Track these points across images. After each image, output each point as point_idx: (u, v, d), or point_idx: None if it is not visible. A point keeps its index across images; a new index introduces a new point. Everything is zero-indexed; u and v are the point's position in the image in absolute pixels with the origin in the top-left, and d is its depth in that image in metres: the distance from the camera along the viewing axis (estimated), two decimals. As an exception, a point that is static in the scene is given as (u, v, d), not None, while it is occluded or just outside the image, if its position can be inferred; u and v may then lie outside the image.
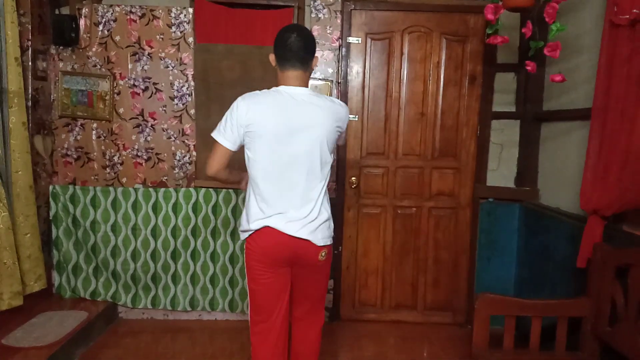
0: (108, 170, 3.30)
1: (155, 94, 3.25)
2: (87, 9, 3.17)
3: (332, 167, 2.03)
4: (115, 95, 3.25)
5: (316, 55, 1.96)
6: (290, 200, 1.89)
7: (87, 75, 3.21)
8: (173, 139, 3.29)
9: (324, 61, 3.25)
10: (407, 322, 3.43)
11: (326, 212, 1.97)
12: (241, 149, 1.99)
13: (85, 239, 3.24)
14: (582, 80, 2.62)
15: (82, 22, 3.18)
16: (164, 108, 3.26)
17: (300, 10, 3.22)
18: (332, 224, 2.02)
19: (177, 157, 3.30)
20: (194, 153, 3.28)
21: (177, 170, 3.31)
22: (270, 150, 1.88)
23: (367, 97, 3.30)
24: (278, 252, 1.90)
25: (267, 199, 1.89)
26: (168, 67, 3.23)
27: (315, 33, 3.22)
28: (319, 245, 1.91)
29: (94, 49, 3.21)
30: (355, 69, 3.28)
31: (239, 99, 1.95)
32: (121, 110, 3.26)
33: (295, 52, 1.87)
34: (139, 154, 3.29)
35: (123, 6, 3.18)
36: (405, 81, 3.28)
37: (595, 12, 2.54)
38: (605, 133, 2.14)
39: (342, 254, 3.39)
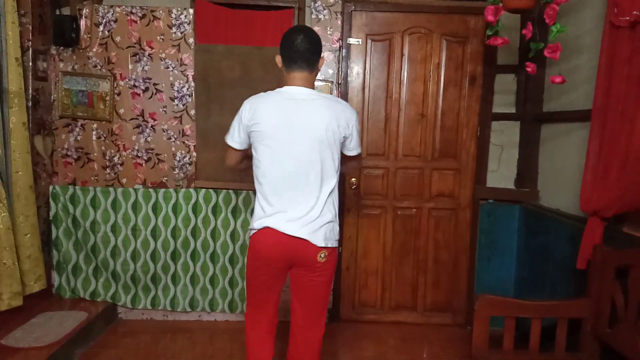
0: (108, 170, 3.30)
1: (155, 94, 3.25)
2: (87, 10, 3.17)
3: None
4: (116, 96, 3.25)
5: (322, 55, 1.98)
6: (290, 199, 1.90)
7: (87, 76, 3.21)
8: (173, 139, 3.29)
9: (325, 62, 3.24)
10: (407, 323, 3.43)
11: (330, 214, 1.94)
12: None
13: (85, 240, 3.24)
14: (582, 81, 2.62)
15: (82, 22, 3.18)
16: (164, 109, 3.26)
17: (301, 11, 3.22)
18: (338, 227, 2.00)
19: (177, 158, 3.30)
20: (194, 154, 3.29)
21: (177, 170, 3.31)
22: (272, 150, 1.90)
23: (367, 98, 3.30)
24: (276, 252, 1.93)
25: (269, 198, 1.93)
26: (168, 67, 3.23)
27: (315, 34, 3.22)
28: (319, 246, 1.90)
29: (94, 50, 3.21)
30: (356, 69, 3.28)
31: (245, 101, 2.00)
32: (121, 111, 3.26)
33: (302, 53, 1.88)
34: (139, 154, 3.29)
35: (123, 7, 3.18)
36: (405, 82, 3.28)
37: (595, 13, 2.54)
38: (605, 134, 2.14)
39: (342, 255, 3.39)
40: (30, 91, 3.01)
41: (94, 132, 3.28)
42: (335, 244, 1.98)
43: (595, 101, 2.21)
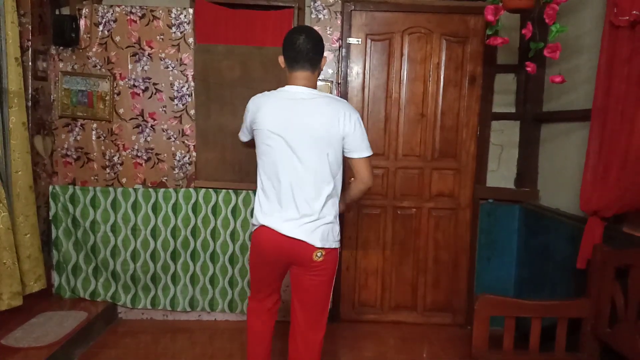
0: (108, 170, 3.30)
1: (155, 94, 3.25)
2: (87, 10, 3.17)
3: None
4: (115, 96, 3.25)
5: (325, 55, 1.99)
6: (289, 199, 1.92)
7: (87, 76, 3.21)
8: (173, 139, 3.29)
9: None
10: (407, 323, 3.43)
11: (329, 215, 1.94)
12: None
13: (85, 239, 3.23)
14: (582, 81, 2.62)
15: (82, 22, 3.18)
16: (164, 108, 3.26)
17: (301, 11, 3.22)
18: (338, 228, 2.00)
19: (177, 158, 3.30)
20: (194, 153, 3.29)
21: (177, 170, 3.31)
22: (271, 149, 1.92)
23: (367, 97, 3.30)
24: (274, 252, 1.96)
25: (268, 196, 1.96)
26: (168, 67, 3.23)
27: (315, 34, 3.22)
28: (315, 246, 1.90)
29: (94, 50, 3.21)
30: (356, 69, 3.28)
31: (250, 100, 2.04)
32: (121, 111, 3.26)
33: (304, 53, 1.90)
34: (139, 154, 3.29)
35: (123, 7, 3.18)
36: (405, 82, 3.28)
37: (595, 13, 2.54)
38: (605, 134, 2.14)
39: (342, 255, 3.38)
40: (30, 91, 3.01)
41: (94, 132, 3.28)
42: (334, 245, 1.97)
43: (595, 101, 2.21)
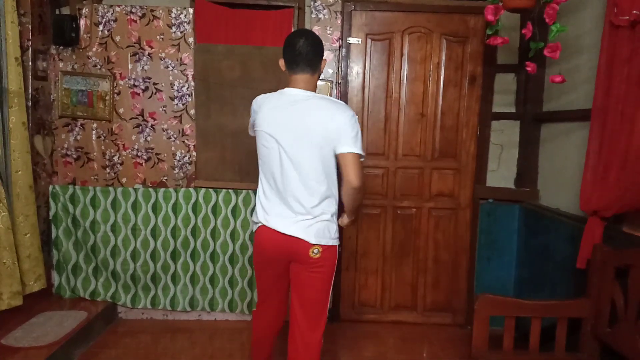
0: (108, 170, 3.30)
1: (155, 94, 3.25)
2: (87, 9, 3.17)
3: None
4: (115, 96, 3.25)
5: (324, 57, 2.01)
6: (286, 198, 1.95)
7: (87, 75, 3.21)
8: (173, 139, 3.29)
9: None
10: (406, 323, 3.43)
11: (325, 214, 1.96)
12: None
13: (85, 239, 3.23)
14: (582, 81, 2.62)
15: (82, 22, 3.18)
16: (164, 108, 3.26)
17: (301, 11, 3.22)
18: (335, 227, 2.01)
19: (177, 157, 3.30)
20: (194, 153, 3.29)
21: (177, 170, 3.31)
22: (268, 150, 1.96)
23: (367, 97, 3.30)
24: (272, 249, 2.00)
25: (267, 195, 2.01)
26: (168, 67, 3.23)
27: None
28: (310, 242, 1.92)
29: (94, 49, 3.21)
30: (356, 69, 3.28)
31: (254, 100, 2.08)
32: (121, 111, 3.26)
33: (304, 55, 1.91)
34: (139, 154, 3.29)
35: (123, 6, 3.18)
36: (405, 82, 3.28)
37: (595, 13, 2.54)
38: (605, 134, 2.14)
39: (342, 255, 3.38)
40: (30, 91, 3.01)
41: (94, 132, 3.28)
42: (331, 242, 1.99)
43: (595, 101, 2.21)
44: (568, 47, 2.65)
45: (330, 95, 3.25)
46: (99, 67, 3.22)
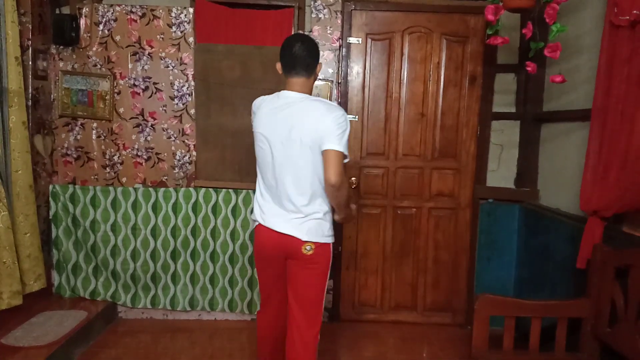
0: (108, 169, 3.30)
1: (155, 93, 3.25)
2: (87, 9, 3.17)
3: None
4: (116, 95, 3.25)
5: (320, 62, 2.06)
6: (279, 197, 2.02)
7: (87, 75, 3.21)
8: (173, 138, 3.29)
9: (325, 61, 3.25)
10: (406, 323, 3.43)
11: (317, 212, 2.01)
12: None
13: (85, 239, 3.23)
14: (582, 81, 2.62)
15: (82, 21, 3.18)
16: (164, 108, 3.26)
17: (301, 11, 3.22)
18: (328, 225, 2.05)
19: (177, 157, 3.30)
20: (194, 153, 3.29)
21: (177, 170, 3.31)
22: (263, 151, 2.04)
23: (367, 97, 3.30)
24: (269, 247, 2.07)
25: (263, 194, 2.09)
26: (168, 67, 3.23)
27: (315, 33, 3.23)
28: (302, 239, 1.98)
29: (94, 49, 3.21)
30: (356, 69, 3.28)
31: (254, 101, 2.14)
32: (121, 110, 3.26)
33: (300, 59, 1.96)
34: (139, 153, 3.29)
35: (123, 6, 3.18)
36: (405, 82, 3.28)
37: (595, 13, 2.54)
38: (605, 134, 2.14)
39: (341, 254, 3.39)
40: (30, 90, 3.01)
41: (94, 131, 3.28)
42: (324, 240, 2.03)
43: (595, 101, 2.21)
44: (568, 47, 2.65)
45: (331, 94, 3.25)
46: (99, 66, 3.22)
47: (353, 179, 3.32)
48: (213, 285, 3.31)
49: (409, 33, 3.25)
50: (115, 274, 3.27)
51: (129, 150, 3.29)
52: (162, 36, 3.20)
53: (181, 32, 3.20)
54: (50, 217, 3.23)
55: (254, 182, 2.17)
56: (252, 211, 2.19)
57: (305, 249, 1.99)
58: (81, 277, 3.29)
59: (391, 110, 3.30)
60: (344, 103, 3.27)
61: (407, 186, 3.36)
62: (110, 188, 3.22)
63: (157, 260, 3.26)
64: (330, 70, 3.27)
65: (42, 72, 3.14)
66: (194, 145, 3.28)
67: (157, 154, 3.30)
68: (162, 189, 3.22)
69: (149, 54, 3.21)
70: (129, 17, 3.19)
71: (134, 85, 3.24)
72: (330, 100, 3.24)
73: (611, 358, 2.11)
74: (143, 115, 3.27)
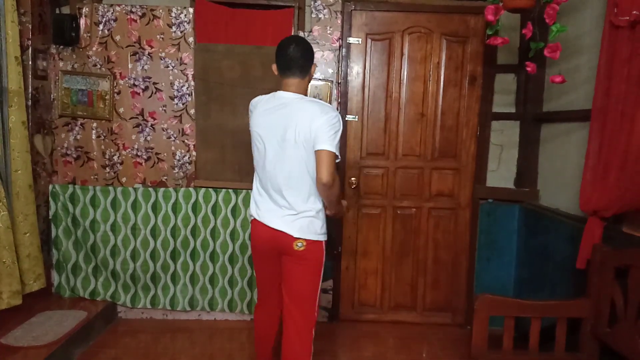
0: (108, 169, 3.30)
1: (155, 93, 3.25)
2: (87, 9, 3.17)
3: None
4: (115, 95, 3.25)
5: (314, 63, 2.12)
6: (274, 194, 2.08)
7: (87, 75, 3.21)
8: (173, 138, 3.29)
9: (324, 61, 3.25)
10: (406, 323, 3.43)
11: (310, 210, 2.05)
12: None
13: (84, 239, 3.23)
14: (582, 81, 2.62)
15: (82, 21, 3.18)
16: (164, 108, 3.26)
17: (301, 11, 3.22)
18: (320, 223, 2.09)
19: (177, 157, 3.30)
20: (194, 153, 3.29)
21: (176, 170, 3.31)
22: (258, 150, 2.11)
23: (367, 97, 3.30)
24: (263, 242, 2.14)
25: (259, 191, 2.16)
26: (168, 66, 3.23)
27: (315, 33, 3.23)
28: (294, 236, 2.03)
29: (94, 49, 3.21)
30: (356, 69, 3.28)
31: (251, 101, 2.21)
32: (121, 110, 3.26)
33: (294, 60, 2.02)
34: (139, 153, 3.29)
35: (123, 6, 3.18)
36: (405, 82, 3.28)
37: (595, 13, 2.54)
38: (605, 134, 2.14)
39: (341, 254, 3.39)
40: (30, 90, 3.01)
41: (94, 131, 3.28)
42: (316, 238, 2.07)
43: (595, 101, 2.21)
44: (568, 47, 2.65)
45: (331, 94, 3.25)
46: (99, 66, 3.22)
47: (353, 179, 3.32)
48: (213, 285, 3.31)
49: (408, 33, 3.25)
50: (115, 274, 3.27)
51: (129, 150, 3.29)
52: (162, 36, 3.20)
53: (181, 32, 3.20)
54: (50, 217, 3.22)
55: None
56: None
57: (297, 245, 2.04)
58: (81, 277, 3.29)
59: (391, 110, 3.30)
60: (343, 103, 3.27)
61: (407, 186, 3.36)
62: (110, 188, 3.22)
63: (156, 260, 3.26)
64: (330, 70, 3.27)
65: (42, 72, 3.14)
66: (194, 145, 3.28)
67: (157, 154, 3.30)
68: (162, 189, 3.22)
69: (148, 53, 3.21)
70: (128, 17, 3.19)
71: (134, 85, 3.24)
72: (330, 100, 3.24)
73: (611, 358, 2.11)
74: (143, 115, 3.27)
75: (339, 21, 3.23)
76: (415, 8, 3.21)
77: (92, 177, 3.31)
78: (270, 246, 2.11)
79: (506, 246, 3.34)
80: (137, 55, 3.22)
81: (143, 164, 3.30)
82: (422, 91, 3.28)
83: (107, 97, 3.23)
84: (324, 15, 3.23)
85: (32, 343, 2.59)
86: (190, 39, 3.20)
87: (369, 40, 3.26)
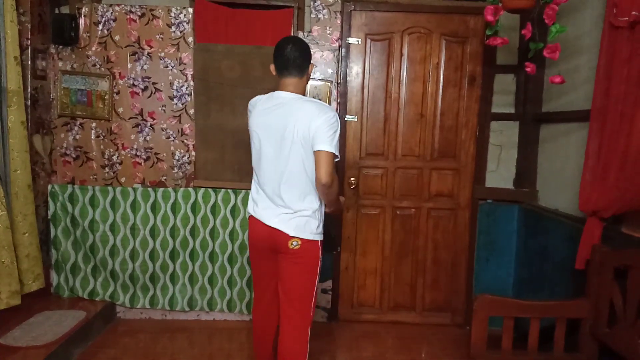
0: (107, 169, 3.30)
1: (154, 93, 3.25)
2: (86, 9, 3.17)
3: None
4: (115, 95, 3.24)
5: (312, 63, 2.14)
6: (271, 192, 2.09)
7: (86, 75, 3.21)
8: (172, 138, 3.28)
9: (324, 62, 3.25)
10: (405, 323, 3.43)
11: (306, 210, 2.07)
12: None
13: (83, 239, 3.23)
14: (582, 82, 2.62)
15: (81, 21, 3.18)
16: (163, 108, 3.26)
17: (300, 11, 3.22)
18: (317, 223, 2.10)
19: (176, 157, 3.30)
20: (193, 153, 3.28)
21: (176, 170, 3.31)
22: (255, 149, 2.14)
23: (366, 97, 3.30)
24: (258, 239, 2.15)
25: (257, 189, 2.18)
26: (167, 66, 3.23)
27: (315, 33, 3.23)
28: (289, 234, 2.04)
29: (93, 49, 3.21)
30: (355, 69, 3.28)
31: (250, 101, 2.23)
32: (120, 110, 3.26)
33: (292, 60, 2.05)
34: (138, 153, 3.29)
35: (123, 6, 3.18)
36: (404, 82, 3.28)
37: (595, 13, 2.54)
38: (604, 134, 2.14)
39: (340, 255, 3.38)
40: (29, 90, 3.01)
41: (93, 131, 3.28)
42: (311, 237, 2.07)
43: (594, 102, 2.21)
44: (567, 48, 2.65)
45: (330, 95, 3.25)
46: (98, 66, 3.22)
47: (352, 179, 3.32)
48: (212, 286, 3.31)
49: (408, 33, 3.25)
50: (114, 274, 3.27)
51: (128, 150, 3.29)
52: (161, 36, 3.20)
53: (180, 32, 3.20)
54: (49, 217, 3.22)
55: (253, 181, 2.23)
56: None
57: (292, 243, 2.05)
58: (80, 277, 3.29)
59: (390, 111, 3.30)
60: (343, 103, 3.27)
61: (407, 186, 3.36)
62: (109, 188, 3.21)
63: (156, 261, 3.26)
64: (330, 71, 3.27)
65: (41, 72, 3.14)
66: (193, 145, 3.28)
67: (156, 154, 3.29)
68: (161, 189, 3.22)
69: (148, 53, 3.21)
70: (128, 17, 3.19)
71: (133, 85, 3.24)
72: (330, 100, 3.24)
73: (610, 358, 2.11)
74: (142, 115, 3.27)
75: (339, 21, 3.23)
76: (415, 8, 3.22)
77: (91, 177, 3.30)
78: (266, 244, 2.13)
79: (505, 246, 3.34)
80: (137, 55, 3.21)
81: (142, 164, 3.30)
82: (421, 91, 3.28)
83: (107, 97, 3.23)
84: (324, 15, 3.23)
85: (31, 343, 2.59)
86: (190, 39, 3.20)
87: (368, 41, 3.26)
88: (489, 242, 3.36)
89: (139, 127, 3.27)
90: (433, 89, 3.28)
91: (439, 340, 3.22)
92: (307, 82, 2.16)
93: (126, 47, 3.21)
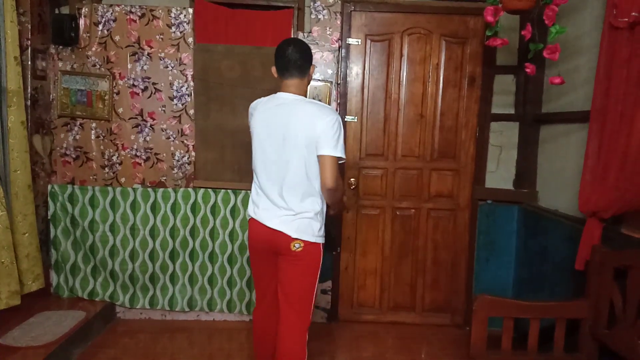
0: (107, 170, 3.30)
1: (154, 94, 3.25)
2: (86, 9, 3.17)
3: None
4: (115, 95, 3.24)
5: (313, 64, 2.14)
6: (272, 194, 2.09)
7: (86, 75, 3.21)
8: (172, 139, 3.28)
9: (324, 62, 3.25)
10: (405, 323, 3.43)
11: (308, 211, 2.06)
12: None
13: (83, 239, 3.23)
14: (582, 82, 2.63)
15: (81, 21, 3.18)
16: (163, 108, 3.26)
17: (300, 11, 3.22)
18: (319, 225, 2.10)
19: (176, 157, 3.30)
20: (193, 153, 3.29)
21: (176, 170, 3.31)
22: (256, 148, 2.13)
23: (366, 98, 3.30)
24: (259, 241, 2.15)
25: (257, 191, 2.17)
26: (167, 67, 3.23)
27: (314, 34, 3.23)
28: (291, 236, 2.04)
29: (93, 49, 3.21)
30: (355, 70, 3.28)
31: (251, 103, 2.23)
32: (120, 110, 3.26)
33: (292, 62, 2.05)
34: (138, 153, 3.29)
35: (123, 6, 3.18)
36: (404, 82, 3.28)
37: (594, 14, 2.54)
38: (604, 135, 2.15)
39: (340, 255, 3.39)
40: (29, 90, 3.01)
41: (93, 132, 3.28)
42: (313, 239, 2.07)
43: (594, 102, 2.21)
44: (567, 49, 2.65)
45: (330, 95, 3.25)
46: (98, 66, 3.22)
47: (352, 179, 3.32)
48: (212, 286, 3.31)
49: (408, 34, 3.25)
50: (114, 274, 3.26)
51: (128, 150, 3.29)
52: (161, 36, 3.20)
53: (180, 32, 3.20)
54: (49, 217, 3.22)
55: (253, 182, 2.22)
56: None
57: (294, 246, 2.05)
58: (79, 277, 3.29)
59: (390, 111, 3.30)
60: (343, 104, 3.27)
61: (406, 187, 3.36)
62: (109, 188, 3.21)
63: (155, 261, 3.26)
64: (330, 71, 3.27)
65: (41, 72, 3.14)
66: (193, 145, 3.28)
67: (156, 154, 3.29)
68: (161, 189, 3.22)
69: (148, 54, 3.21)
70: (128, 17, 3.19)
71: (133, 85, 3.24)
72: (330, 101, 3.24)
73: (610, 359, 2.11)
74: (142, 116, 3.27)
75: (339, 22, 3.23)
76: (415, 9, 3.22)
77: (91, 177, 3.30)
78: (267, 246, 2.12)
79: (505, 247, 3.34)
80: (137, 55, 3.22)
81: (142, 164, 3.30)
82: (421, 92, 3.29)
83: (107, 97, 3.23)
84: (324, 16, 3.23)
85: (31, 343, 2.59)
86: (190, 40, 3.20)
87: (368, 41, 3.26)
88: (488, 242, 3.36)
89: (139, 127, 3.27)
90: (433, 90, 3.29)
91: (438, 341, 3.23)
92: (308, 84, 2.17)
93: (126, 47, 3.21)
